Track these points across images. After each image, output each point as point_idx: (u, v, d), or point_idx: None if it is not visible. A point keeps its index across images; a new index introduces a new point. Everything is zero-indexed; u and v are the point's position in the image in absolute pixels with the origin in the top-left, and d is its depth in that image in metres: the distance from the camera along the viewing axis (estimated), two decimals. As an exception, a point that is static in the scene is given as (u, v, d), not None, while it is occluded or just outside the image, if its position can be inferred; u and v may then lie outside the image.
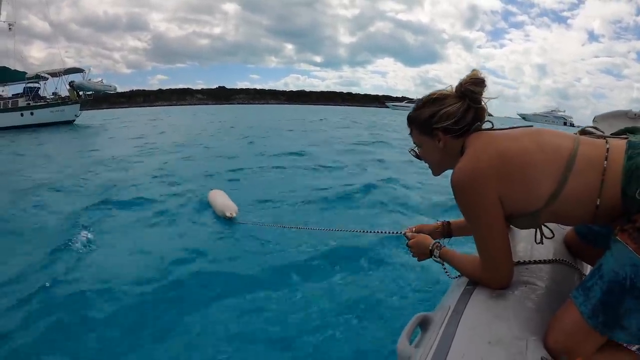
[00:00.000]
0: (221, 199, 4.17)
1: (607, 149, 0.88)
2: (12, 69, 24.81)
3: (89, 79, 24.51)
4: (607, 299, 0.81)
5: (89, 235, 3.48)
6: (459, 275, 1.12)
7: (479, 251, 0.98)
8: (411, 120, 1.11)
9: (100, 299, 2.43)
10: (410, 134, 1.14)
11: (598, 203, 0.86)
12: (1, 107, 22.74)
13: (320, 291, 2.52)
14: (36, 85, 24.33)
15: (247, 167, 7.21)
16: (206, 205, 4.38)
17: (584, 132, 1.03)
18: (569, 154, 0.89)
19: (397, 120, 29.76)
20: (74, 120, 24.18)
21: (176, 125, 23.39)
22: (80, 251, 3.18)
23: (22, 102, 23.11)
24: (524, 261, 1.11)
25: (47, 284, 2.58)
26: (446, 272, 1.17)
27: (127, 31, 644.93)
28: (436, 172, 1.15)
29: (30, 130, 20.03)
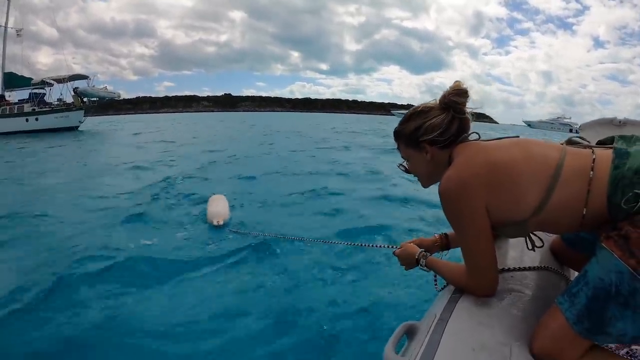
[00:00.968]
0: (215, 206, 4.12)
1: (594, 159, 0.89)
2: (19, 74, 25.18)
3: (93, 86, 24.76)
4: (592, 305, 0.81)
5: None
6: (444, 286, 1.12)
7: (465, 259, 0.99)
8: (397, 135, 1.13)
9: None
10: (398, 148, 1.15)
11: (584, 212, 0.87)
12: (7, 113, 22.98)
13: (307, 302, 2.47)
14: (42, 91, 24.65)
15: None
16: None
17: (570, 142, 1.05)
18: (555, 164, 0.90)
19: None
20: (78, 127, 24.34)
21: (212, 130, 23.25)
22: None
23: (27, 108, 23.42)
24: (510, 268, 1.12)
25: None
26: (435, 283, 1.17)
27: (134, 38, 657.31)
28: (425, 184, 1.16)
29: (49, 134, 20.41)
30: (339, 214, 4.48)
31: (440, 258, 1.17)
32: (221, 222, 3.74)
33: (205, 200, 4.53)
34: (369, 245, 1.85)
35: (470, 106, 1.04)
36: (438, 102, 1.05)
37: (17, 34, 25.36)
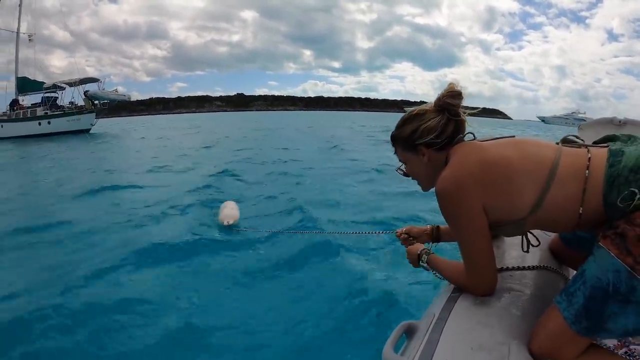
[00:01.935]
0: (226, 210, 4.30)
1: (589, 158, 0.89)
2: (32, 78, 25.47)
3: (103, 89, 24.91)
4: (590, 304, 0.81)
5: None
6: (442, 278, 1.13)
7: (463, 258, 0.99)
8: (394, 139, 1.14)
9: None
10: (395, 152, 1.16)
11: (581, 211, 0.87)
12: (20, 116, 23.27)
13: (306, 295, 2.55)
14: (54, 94, 24.95)
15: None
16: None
17: (565, 141, 1.03)
18: (551, 164, 0.90)
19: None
20: (89, 129, 24.55)
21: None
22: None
23: (40, 112, 23.81)
24: (509, 268, 1.12)
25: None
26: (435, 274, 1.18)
27: (146, 40, 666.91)
28: (425, 187, 1.16)
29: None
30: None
31: (430, 249, 1.19)
32: (231, 222, 3.95)
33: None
34: (366, 233, 2.14)
35: (468, 106, 1.05)
36: (433, 104, 1.05)
37: (29, 39, 25.69)
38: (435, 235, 1.36)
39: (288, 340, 2.09)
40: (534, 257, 1.17)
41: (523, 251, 1.07)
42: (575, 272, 1.12)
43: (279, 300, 2.50)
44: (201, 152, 12.13)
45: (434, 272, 1.16)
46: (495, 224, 0.96)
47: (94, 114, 24.45)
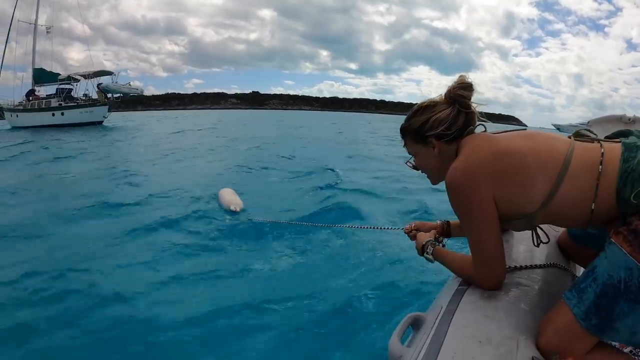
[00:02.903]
0: (228, 196, 4.48)
1: (602, 152, 0.87)
2: (49, 70, 25.87)
3: (116, 82, 25.18)
4: (601, 301, 0.80)
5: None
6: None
7: (472, 251, 0.97)
8: (404, 131, 1.13)
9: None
10: (405, 145, 1.15)
11: (593, 207, 0.85)
12: (35, 107, 23.65)
13: (313, 286, 2.54)
14: (68, 86, 25.36)
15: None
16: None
17: (578, 135, 1.00)
18: (564, 157, 0.89)
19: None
20: (102, 122, 24.82)
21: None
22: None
23: (54, 103, 24.18)
24: (517, 267, 1.10)
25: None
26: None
27: (164, 35, 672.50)
28: (435, 180, 1.14)
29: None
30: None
31: (439, 241, 1.19)
32: (238, 209, 4.08)
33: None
34: (375, 228, 2.01)
35: (479, 102, 1.04)
36: (443, 96, 1.05)
37: (47, 31, 26.13)
38: (446, 230, 1.34)
39: (296, 329, 2.11)
40: (542, 254, 1.17)
41: (534, 245, 1.06)
42: (583, 269, 1.14)
43: (286, 290, 2.52)
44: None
45: (433, 262, 1.15)
46: (505, 218, 0.95)
47: (107, 106, 24.71)
